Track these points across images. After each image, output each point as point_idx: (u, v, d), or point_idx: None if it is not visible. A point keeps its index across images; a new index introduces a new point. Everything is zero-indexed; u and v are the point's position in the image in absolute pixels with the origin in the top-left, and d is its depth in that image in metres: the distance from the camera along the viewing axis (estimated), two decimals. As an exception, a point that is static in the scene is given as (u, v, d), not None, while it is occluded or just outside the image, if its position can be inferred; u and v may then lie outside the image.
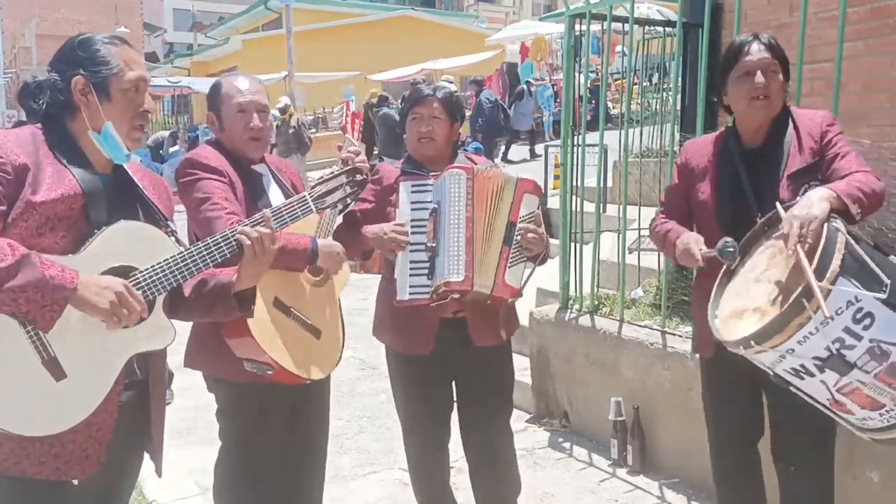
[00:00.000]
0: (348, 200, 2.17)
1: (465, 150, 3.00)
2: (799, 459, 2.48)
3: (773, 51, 2.39)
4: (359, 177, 2.14)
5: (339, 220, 2.72)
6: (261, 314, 2.38)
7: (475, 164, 2.84)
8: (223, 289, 2.06)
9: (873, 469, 2.95)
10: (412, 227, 2.63)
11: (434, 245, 2.58)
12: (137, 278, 1.81)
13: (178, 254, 1.89)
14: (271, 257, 2.03)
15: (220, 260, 1.94)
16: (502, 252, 2.60)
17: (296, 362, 2.44)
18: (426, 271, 2.58)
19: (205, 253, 1.91)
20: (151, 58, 36.82)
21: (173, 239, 1.94)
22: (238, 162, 2.55)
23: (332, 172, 2.15)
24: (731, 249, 2.25)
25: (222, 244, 1.94)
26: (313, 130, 19.97)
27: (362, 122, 16.15)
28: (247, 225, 1.98)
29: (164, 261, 1.85)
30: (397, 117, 13.38)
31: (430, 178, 2.69)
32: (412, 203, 2.65)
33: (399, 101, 15.35)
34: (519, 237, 2.61)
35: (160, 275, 1.84)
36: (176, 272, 1.87)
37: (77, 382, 1.76)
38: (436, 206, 2.61)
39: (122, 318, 1.73)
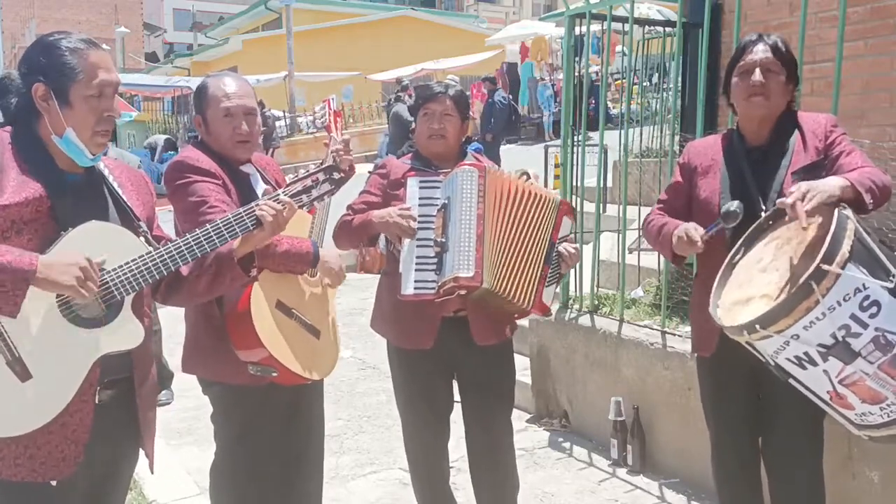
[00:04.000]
0: (325, 198, 2.13)
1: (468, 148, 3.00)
2: (790, 458, 2.49)
3: (777, 52, 2.41)
4: (336, 174, 2.10)
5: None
6: (266, 317, 2.39)
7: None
8: (226, 258, 2.05)
9: (873, 469, 2.95)
10: (419, 222, 2.63)
11: (443, 241, 2.57)
12: (104, 278, 1.80)
13: (164, 248, 1.87)
14: (283, 224, 2.03)
15: (240, 234, 1.95)
16: (543, 271, 2.67)
17: (300, 363, 2.45)
18: (433, 267, 2.58)
19: (203, 238, 1.90)
20: (151, 58, 36.85)
21: (143, 239, 1.92)
22: (226, 162, 2.52)
23: (308, 170, 2.12)
24: (735, 210, 2.25)
25: (246, 219, 1.94)
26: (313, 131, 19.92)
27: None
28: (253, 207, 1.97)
29: (132, 260, 1.83)
30: (407, 115, 13.38)
31: (439, 175, 2.69)
32: (420, 199, 2.66)
33: (391, 99, 15.35)
34: (557, 257, 2.71)
35: (129, 274, 1.82)
36: (159, 265, 1.85)
37: (43, 383, 1.75)
38: (445, 202, 2.61)
39: (90, 291, 1.73)
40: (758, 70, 2.38)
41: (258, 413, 2.55)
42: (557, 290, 4.50)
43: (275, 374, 2.42)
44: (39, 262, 1.69)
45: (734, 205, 2.26)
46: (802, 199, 2.08)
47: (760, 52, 2.40)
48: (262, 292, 2.39)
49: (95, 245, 1.81)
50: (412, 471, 2.98)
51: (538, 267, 2.66)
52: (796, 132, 2.44)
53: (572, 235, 2.83)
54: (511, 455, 2.94)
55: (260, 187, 2.57)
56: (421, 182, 2.68)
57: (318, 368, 2.55)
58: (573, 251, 2.75)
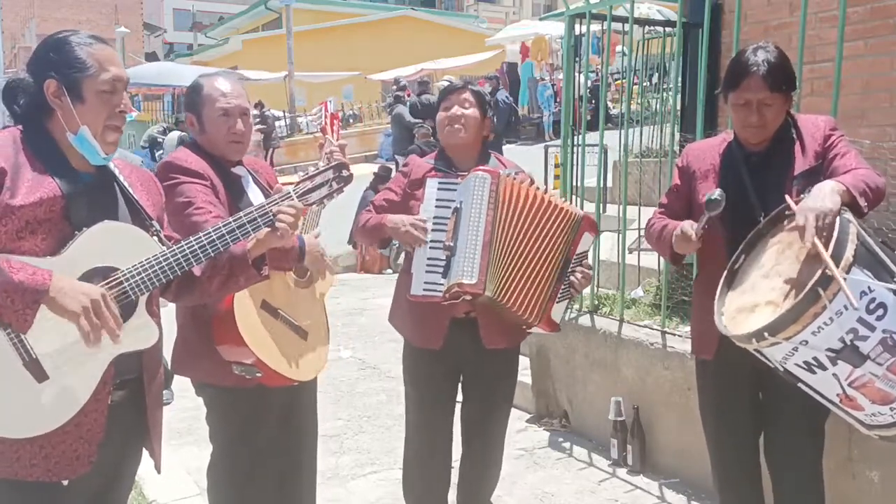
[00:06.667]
0: (334, 196, 2.14)
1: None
2: (792, 458, 2.49)
3: (774, 85, 2.34)
4: (345, 172, 2.11)
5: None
6: (249, 317, 2.38)
7: (504, 167, 2.86)
8: (240, 258, 2.06)
9: (873, 469, 2.95)
10: (434, 224, 2.65)
11: (452, 245, 2.59)
12: (119, 278, 1.79)
13: (177, 248, 1.87)
14: (296, 229, 2.04)
15: (252, 234, 1.96)
16: (556, 287, 2.67)
17: (285, 365, 2.44)
18: (441, 269, 2.60)
19: (216, 238, 1.90)
20: (151, 58, 36.79)
21: (156, 238, 1.92)
22: (217, 164, 2.51)
23: (318, 168, 2.12)
24: (717, 198, 2.25)
25: (259, 220, 1.95)
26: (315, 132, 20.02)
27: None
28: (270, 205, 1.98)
29: (146, 260, 1.83)
30: (408, 117, 13.46)
31: (458, 178, 2.71)
32: (437, 200, 2.68)
33: (391, 100, 15.39)
34: (571, 276, 2.70)
35: (144, 274, 1.82)
36: (173, 265, 1.85)
37: (59, 383, 1.75)
38: (458, 206, 2.63)
39: (93, 327, 1.69)
40: (754, 111, 2.35)
41: (253, 415, 2.54)
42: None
43: (259, 375, 2.41)
44: (52, 283, 1.67)
45: (716, 193, 2.27)
46: (816, 230, 2.02)
47: (757, 89, 2.34)
48: (247, 292, 2.37)
49: (110, 245, 1.82)
50: (414, 462, 2.96)
51: (550, 282, 2.66)
52: (795, 136, 2.43)
53: (590, 252, 2.80)
54: (500, 459, 2.99)
55: (252, 189, 2.58)
56: (440, 184, 2.70)
57: (305, 370, 2.55)
58: (581, 277, 2.72)
